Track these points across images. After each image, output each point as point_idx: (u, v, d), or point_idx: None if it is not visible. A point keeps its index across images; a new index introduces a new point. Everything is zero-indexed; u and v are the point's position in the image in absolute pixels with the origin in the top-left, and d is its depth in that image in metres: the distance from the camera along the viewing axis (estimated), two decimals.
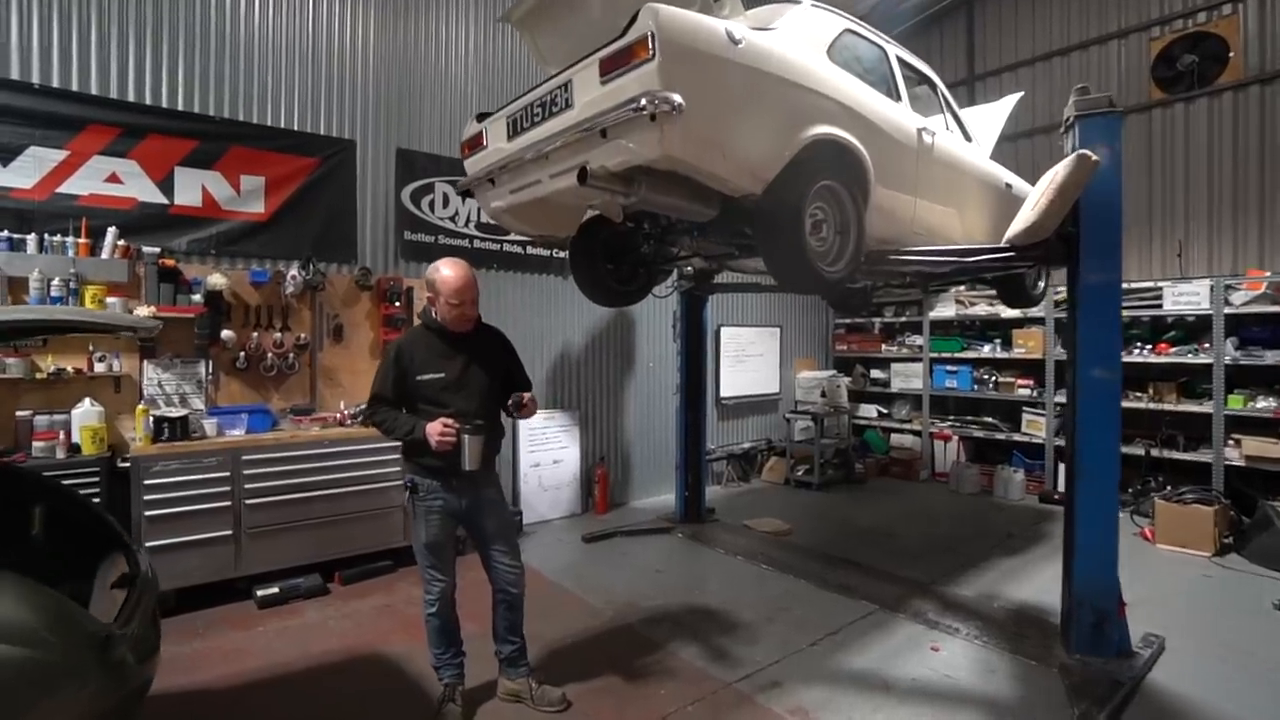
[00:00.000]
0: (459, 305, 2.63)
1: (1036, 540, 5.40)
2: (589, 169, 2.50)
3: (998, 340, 7.30)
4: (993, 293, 7.33)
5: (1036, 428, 6.95)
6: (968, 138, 4.32)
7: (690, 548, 5.22)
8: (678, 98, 2.25)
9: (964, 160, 4.05)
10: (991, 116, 5.04)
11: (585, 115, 2.54)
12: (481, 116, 3.35)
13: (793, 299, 8.31)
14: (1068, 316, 3.48)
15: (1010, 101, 5.16)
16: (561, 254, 5.94)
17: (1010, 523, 5.89)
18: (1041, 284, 5.14)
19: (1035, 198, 3.18)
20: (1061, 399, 6.66)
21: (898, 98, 3.61)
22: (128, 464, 3.66)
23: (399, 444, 2.76)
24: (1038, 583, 4.40)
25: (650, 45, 2.27)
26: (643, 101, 2.25)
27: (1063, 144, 3.49)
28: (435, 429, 2.53)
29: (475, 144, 3.35)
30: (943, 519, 6.08)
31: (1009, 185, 4.56)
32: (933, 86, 4.15)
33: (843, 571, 4.57)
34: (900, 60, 3.78)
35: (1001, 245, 3.38)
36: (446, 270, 2.64)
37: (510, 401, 2.78)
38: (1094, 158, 2.86)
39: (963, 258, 3.44)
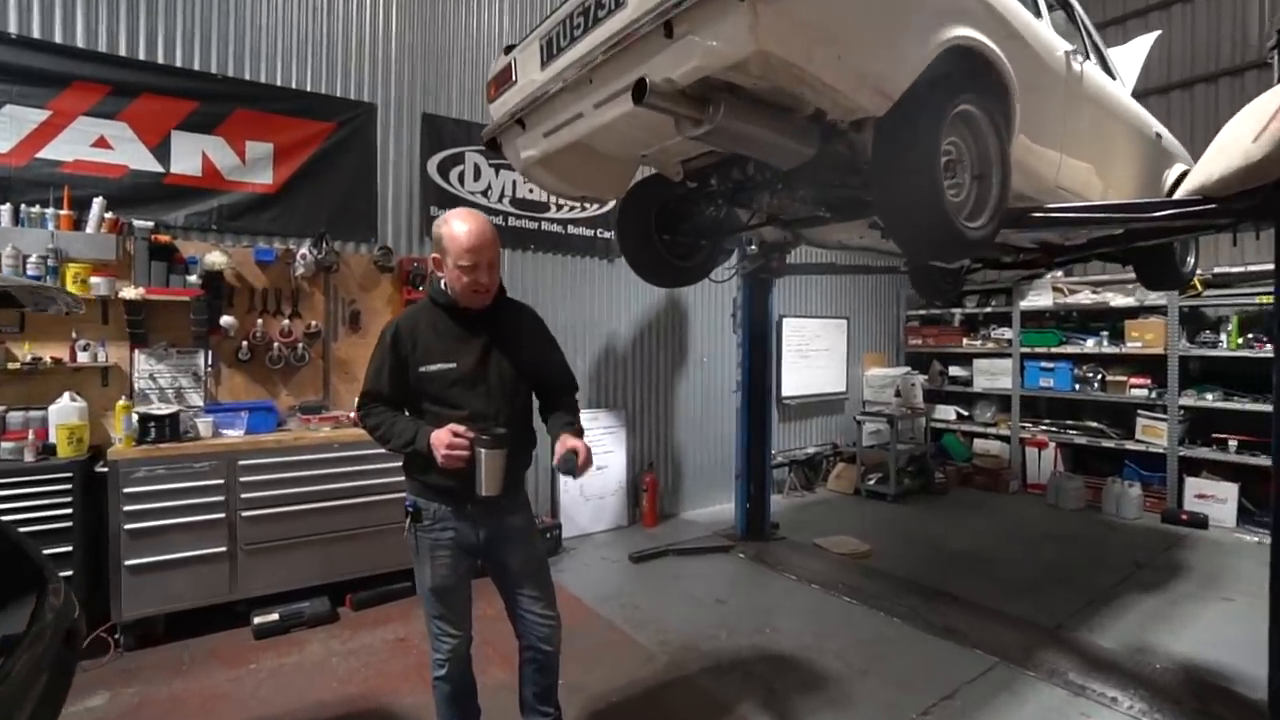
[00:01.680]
0: (471, 269, 1.93)
1: (1174, 573, 4.46)
2: (649, 83, 1.82)
3: (1104, 333, 6.31)
4: (1097, 278, 6.42)
5: (1155, 434, 5.94)
6: (1112, 75, 3.47)
7: (755, 571, 4.48)
8: None
9: (1115, 98, 3.21)
10: (1125, 60, 4.16)
11: (644, 10, 1.86)
12: (510, 49, 2.70)
13: (860, 287, 7.47)
14: (1276, 294, 2.63)
15: (1146, 41, 4.26)
16: (607, 234, 5.28)
17: (1133, 547, 4.95)
18: (1191, 259, 4.20)
19: (1249, 128, 2.34)
20: (1188, 401, 5.69)
21: (1038, 13, 2.82)
22: (106, 469, 3.16)
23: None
24: (1197, 632, 3.52)
25: None
26: None
27: (1271, 61, 2.64)
28: (442, 439, 1.87)
29: (503, 81, 2.71)
30: (1047, 541, 5.17)
31: (1159, 135, 3.68)
32: (1070, 12, 3.33)
33: (943, 607, 3.79)
34: None
35: (1189, 198, 2.54)
36: (458, 223, 1.95)
37: (557, 460, 2.02)
38: None
39: (1142, 213, 2.61)
